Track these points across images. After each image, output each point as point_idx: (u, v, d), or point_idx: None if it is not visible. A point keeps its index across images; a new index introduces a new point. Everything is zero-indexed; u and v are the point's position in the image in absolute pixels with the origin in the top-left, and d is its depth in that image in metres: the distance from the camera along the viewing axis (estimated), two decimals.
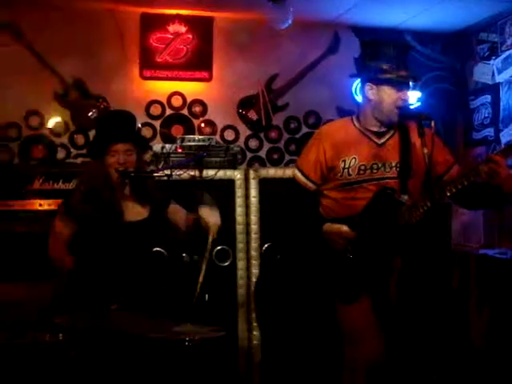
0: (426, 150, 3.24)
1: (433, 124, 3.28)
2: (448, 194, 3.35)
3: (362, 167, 3.54)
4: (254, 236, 4.91)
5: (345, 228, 3.50)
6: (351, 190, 3.57)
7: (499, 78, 5.62)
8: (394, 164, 3.55)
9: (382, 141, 3.59)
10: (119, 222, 3.52)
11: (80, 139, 5.39)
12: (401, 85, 3.49)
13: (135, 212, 3.64)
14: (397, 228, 3.46)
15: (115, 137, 3.52)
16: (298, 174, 3.70)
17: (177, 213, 3.79)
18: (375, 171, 3.54)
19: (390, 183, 3.54)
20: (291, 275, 4.75)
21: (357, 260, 3.50)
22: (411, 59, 5.93)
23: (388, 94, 3.49)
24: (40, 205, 4.61)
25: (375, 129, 3.60)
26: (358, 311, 3.56)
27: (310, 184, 3.67)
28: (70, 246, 3.53)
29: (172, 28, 5.55)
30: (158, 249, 4.54)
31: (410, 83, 3.53)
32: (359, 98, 5.76)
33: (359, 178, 3.55)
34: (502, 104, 5.58)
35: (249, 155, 5.85)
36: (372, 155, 3.55)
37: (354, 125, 3.65)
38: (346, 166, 3.55)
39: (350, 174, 3.55)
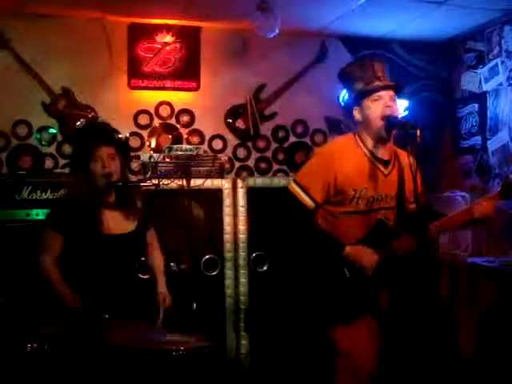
0: (411, 159, 3.25)
1: (418, 132, 3.26)
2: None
3: (371, 198, 3.53)
4: (241, 245, 4.91)
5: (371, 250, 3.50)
6: (353, 219, 3.55)
7: (486, 87, 5.65)
8: (393, 195, 3.58)
9: (388, 171, 3.60)
10: (98, 234, 3.49)
11: (68, 149, 5.34)
12: (378, 93, 3.49)
13: (122, 224, 3.61)
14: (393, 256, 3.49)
15: (98, 140, 3.52)
16: (298, 190, 3.56)
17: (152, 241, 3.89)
18: (379, 202, 3.56)
19: (388, 214, 3.58)
20: (283, 290, 4.76)
21: (354, 279, 3.48)
22: (399, 68, 6.05)
23: (370, 108, 3.49)
24: (27, 215, 4.58)
25: (380, 155, 3.57)
26: (356, 330, 3.52)
27: (309, 202, 3.54)
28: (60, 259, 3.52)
29: (160, 38, 5.56)
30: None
31: (390, 90, 3.52)
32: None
33: (366, 208, 3.54)
34: (489, 113, 5.60)
35: (237, 164, 5.84)
36: (380, 187, 3.55)
37: (362, 150, 3.58)
38: (357, 196, 3.51)
39: (358, 203, 3.52)
